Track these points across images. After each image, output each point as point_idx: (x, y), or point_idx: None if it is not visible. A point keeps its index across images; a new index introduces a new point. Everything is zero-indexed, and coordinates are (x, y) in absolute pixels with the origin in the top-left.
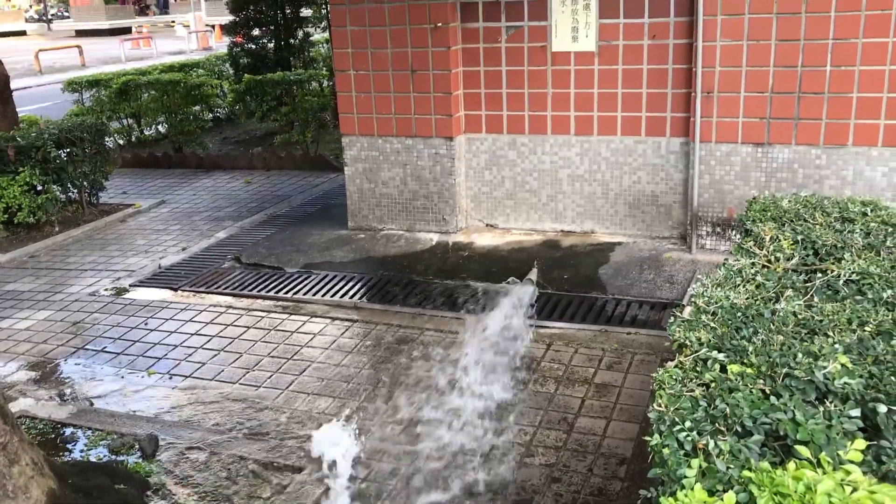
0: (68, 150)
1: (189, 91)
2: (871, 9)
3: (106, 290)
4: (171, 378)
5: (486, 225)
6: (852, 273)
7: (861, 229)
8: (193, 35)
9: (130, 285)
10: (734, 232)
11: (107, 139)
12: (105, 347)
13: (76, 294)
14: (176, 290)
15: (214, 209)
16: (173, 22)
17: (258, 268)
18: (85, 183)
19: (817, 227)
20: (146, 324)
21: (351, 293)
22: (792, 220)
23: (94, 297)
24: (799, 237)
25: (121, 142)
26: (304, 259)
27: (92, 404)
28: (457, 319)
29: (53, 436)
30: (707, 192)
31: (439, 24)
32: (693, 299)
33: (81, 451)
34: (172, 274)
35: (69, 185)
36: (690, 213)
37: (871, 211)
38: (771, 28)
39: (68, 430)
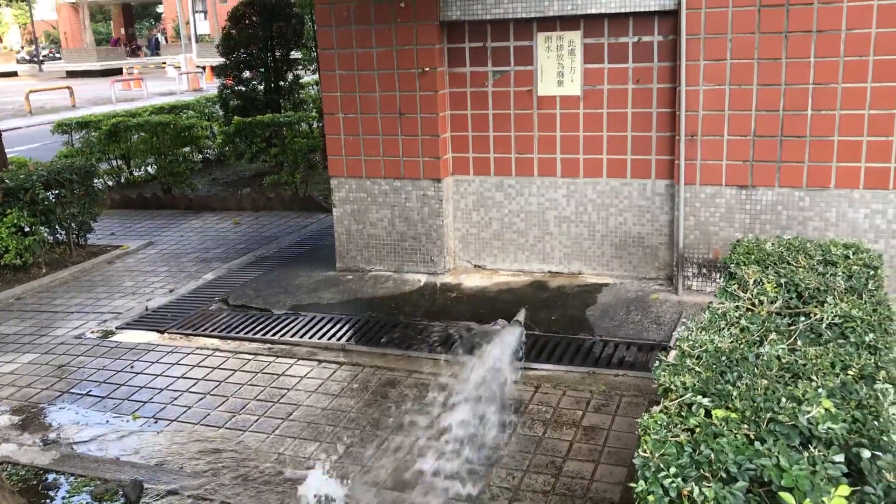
0: (57, 191)
1: (179, 132)
2: (850, 55)
3: (92, 332)
4: (156, 422)
5: (475, 266)
6: (835, 316)
7: (843, 272)
8: (184, 76)
9: (117, 328)
10: (720, 273)
11: (96, 180)
12: (90, 391)
13: (62, 337)
14: (163, 332)
15: (202, 250)
16: (164, 63)
17: (246, 310)
18: (73, 224)
19: (800, 270)
20: (132, 367)
21: (338, 335)
22: (775, 263)
23: (79, 339)
24: (782, 280)
25: (110, 183)
26: (292, 301)
27: (75, 450)
28: (445, 362)
29: (35, 482)
30: (692, 234)
31: (427, 69)
32: (678, 343)
33: (64, 497)
34: (159, 316)
35: (57, 227)
36: (676, 254)
37: (853, 254)
38: (752, 73)
39: (51, 476)
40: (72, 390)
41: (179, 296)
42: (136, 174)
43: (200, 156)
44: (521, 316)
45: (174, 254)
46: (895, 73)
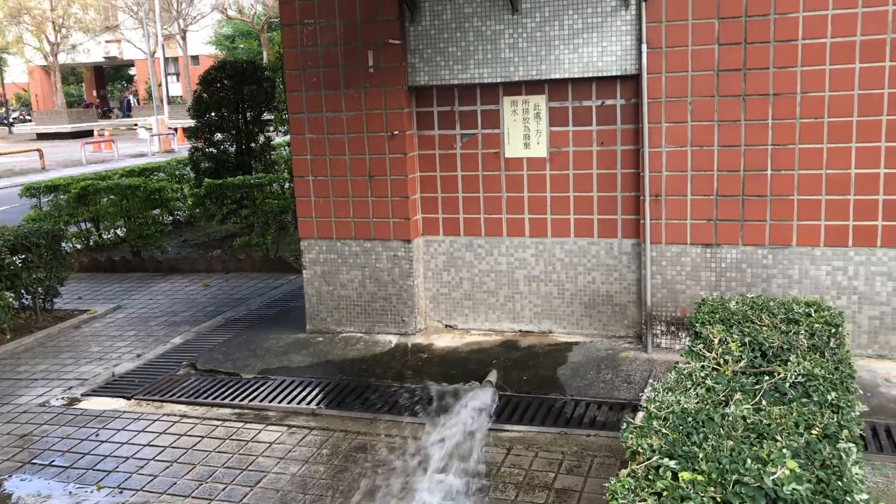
0: (24, 256)
1: (149, 195)
2: (805, 117)
3: (57, 400)
4: (121, 492)
5: (446, 326)
6: (798, 375)
7: (806, 330)
8: (156, 138)
9: (83, 394)
10: (688, 331)
11: (63, 244)
12: (53, 461)
13: (25, 405)
14: (130, 398)
15: (171, 314)
16: (136, 125)
17: (214, 374)
18: (39, 289)
19: (764, 328)
20: (97, 435)
21: (308, 399)
22: (740, 322)
23: (44, 407)
24: (747, 339)
25: (78, 246)
26: (261, 364)
27: None
28: (416, 425)
29: None
30: (660, 292)
31: (396, 132)
32: (645, 404)
33: None
34: (126, 382)
35: (23, 292)
36: (645, 312)
37: (815, 312)
38: (713, 135)
39: None
40: (34, 460)
41: (147, 361)
42: (105, 237)
43: (170, 218)
44: (492, 376)
45: (142, 317)
46: (849, 135)
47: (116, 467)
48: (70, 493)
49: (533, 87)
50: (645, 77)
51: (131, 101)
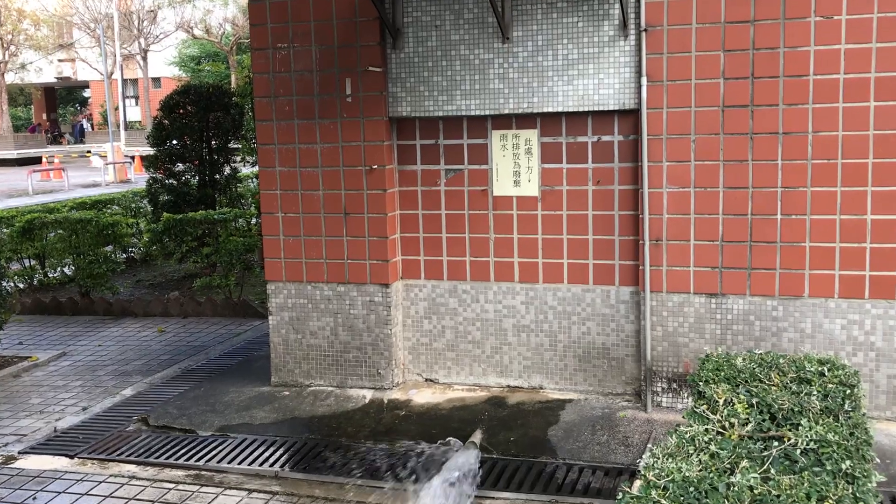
0: None
1: (101, 230)
2: (818, 157)
3: None
4: None
5: (426, 380)
6: (810, 441)
7: (818, 391)
8: (111, 167)
9: (20, 452)
10: (691, 388)
11: (4, 283)
12: None
13: None
14: (73, 457)
15: (122, 362)
16: (89, 152)
17: (168, 431)
18: None
19: (773, 388)
20: (35, 499)
21: (272, 460)
22: (747, 381)
23: None
24: (754, 400)
25: (21, 285)
26: (221, 420)
27: None
28: (391, 490)
29: None
30: (661, 346)
31: (375, 166)
32: (643, 471)
33: None
34: (70, 438)
35: None
36: (644, 367)
37: (829, 370)
38: (718, 175)
39: None
40: None
41: (94, 414)
42: (51, 276)
43: (124, 255)
44: (476, 437)
45: (90, 366)
46: (864, 178)
47: None
48: None
49: (524, 120)
50: (644, 112)
51: (85, 126)
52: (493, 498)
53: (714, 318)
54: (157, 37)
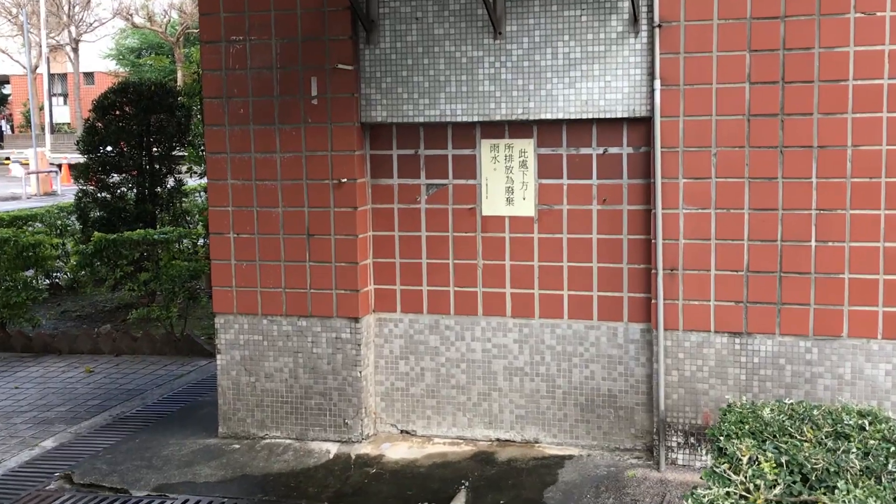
0: None
1: (20, 252)
2: (858, 175)
3: None
4: None
5: (401, 431)
6: None
7: (858, 448)
8: (33, 176)
9: None
10: (711, 444)
11: None
12: None
13: None
14: None
15: (43, 408)
16: (8, 159)
17: (96, 490)
18: None
19: (805, 445)
20: None
21: None
22: (775, 436)
23: None
24: (783, 459)
25: None
26: (158, 478)
27: None
28: None
29: None
30: (676, 393)
31: (344, 180)
32: None
33: None
34: None
35: None
36: (657, 418)
37: (870, 424)
38: (743, 195)
39: None
40: None
41: (8, 470)
42: None
43: (47, 282)
44: (460, 500)
45: (4, 413)
46: None
47: None
48: None
49: (519, 128)
50: (658, 120)
51: (3, 128)
52: None
53: (738, 362)
54: (91, 25)
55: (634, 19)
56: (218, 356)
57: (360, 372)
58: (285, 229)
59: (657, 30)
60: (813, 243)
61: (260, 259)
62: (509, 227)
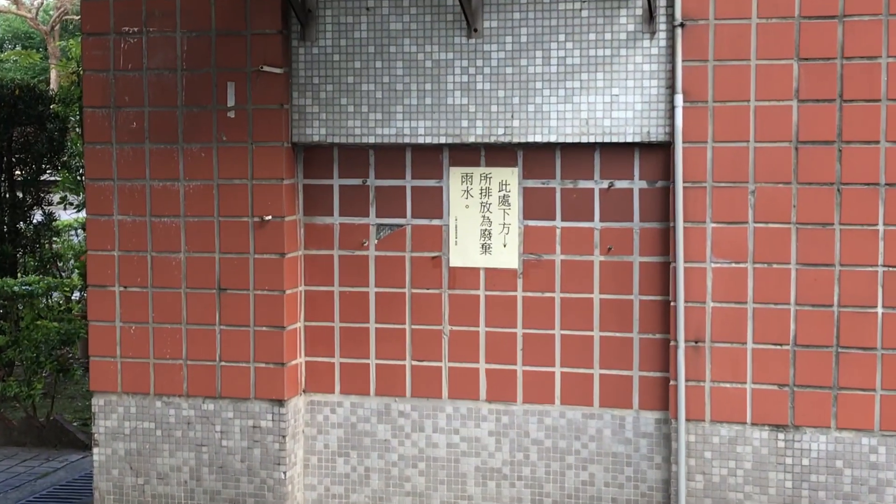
0: None
1: None
2: None
3: None
4: None
5: None
6: None
7: None
8: None
9: None
10: None
11: None
12: None
13: None
14: None
15: None
16: None
17: None
18: None
19: None
20: None
21: None
22: None
23: None
24: None
25: None
26: None
27: None
28: None
29: None
30: None
31: (268, 218)
32: None
33: None
34: None
35: None
36: None
37: None
38: (789, 245)
39: None
40: None
41: None
42: None
43: None
44: None
45: None
46: None
47: None
48: None
49: (499, 154)
50: (680, 147)
51: None
52: None
53: (782, 464)
54: None
55: (650, 16)
56: (95, 449)
57: (285, 473)
58: (189, 281)
59: (679, 30)
60: (880, 310)
61: (154, 321)
62: (485, 283)
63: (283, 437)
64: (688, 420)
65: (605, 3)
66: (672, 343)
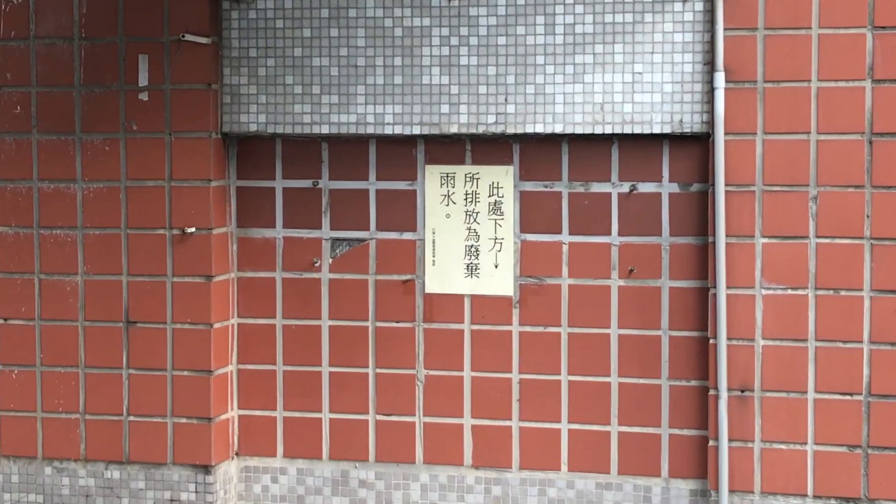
0: None
1: None
2: None
3: None
4: None
5: None
6: None
7: None
8: None
9: None
10: None
11: None
12: None
13: None
14: None
15: None
16: None
17: None
18: None
19: None
20: None
21: None
22: None
23: None
24: None
25: None
26: None
27: None
28: None
29: None
30: None
31: (191, 230)
32: None
33: None
34: None
35: None
36: None
37: None
38: (861, 267)
39: None
40: None
41: None
42: None
43: None
44: None
45: None
46: None
47: None
48: None
49: (489, 148)
50: (721, 140)
51: None
52: None
53: None
54: None
55: None
56: None
57: None
58: (89, 312)
59: None
60: None
61: (44, 363)
62: (471, 314)
63: None
64: (732, 491)
65: None
66: (712, 392)
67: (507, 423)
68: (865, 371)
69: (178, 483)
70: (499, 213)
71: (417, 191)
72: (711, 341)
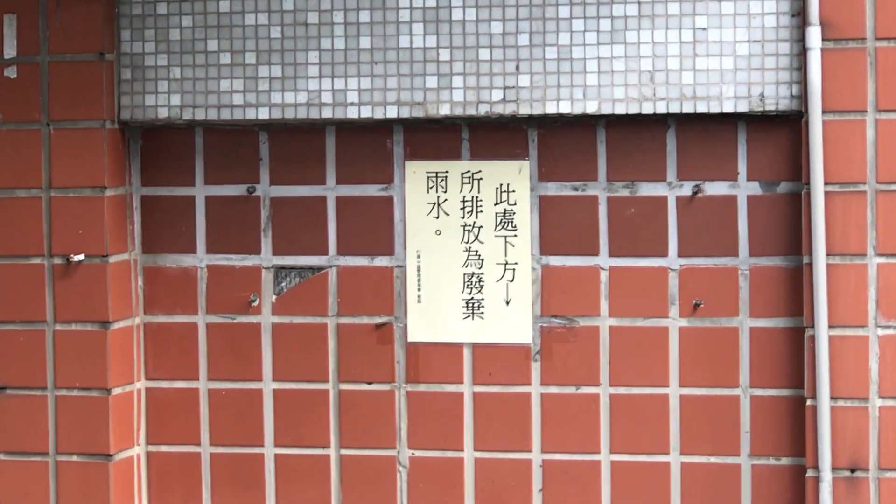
0: None
1: None
2: None
3: None
4: None
5: None
6: None
7: None
8: None
9: None
10: None
11: None
12: None
13: None
14: None
15: None
16: None
17: None
18: None
19: None
20: None
21: None
22: None
23: None
24: None
25: None
26: None
27: None
28: None
29: None
30: None
31: (78, 258)
32: None
33: None
34: None
35: None
36: None
37: None
38: None
39: None
40: None
41: None
42: None
43: None
44: None
45: None
46: None
47: None
48: None
49: (494, 137)
50: (819, 121)
51: None
52: None
53: None
54: None
55: None
56: None
57: None
58: None
59: None
60: None
61: None
62: (473, 370)
63: None
64: None
65: None
66: (810, 474)
67: None
68: None
69: None
70: (510, 227)
71: (395, 197)
72: (809, 402)
